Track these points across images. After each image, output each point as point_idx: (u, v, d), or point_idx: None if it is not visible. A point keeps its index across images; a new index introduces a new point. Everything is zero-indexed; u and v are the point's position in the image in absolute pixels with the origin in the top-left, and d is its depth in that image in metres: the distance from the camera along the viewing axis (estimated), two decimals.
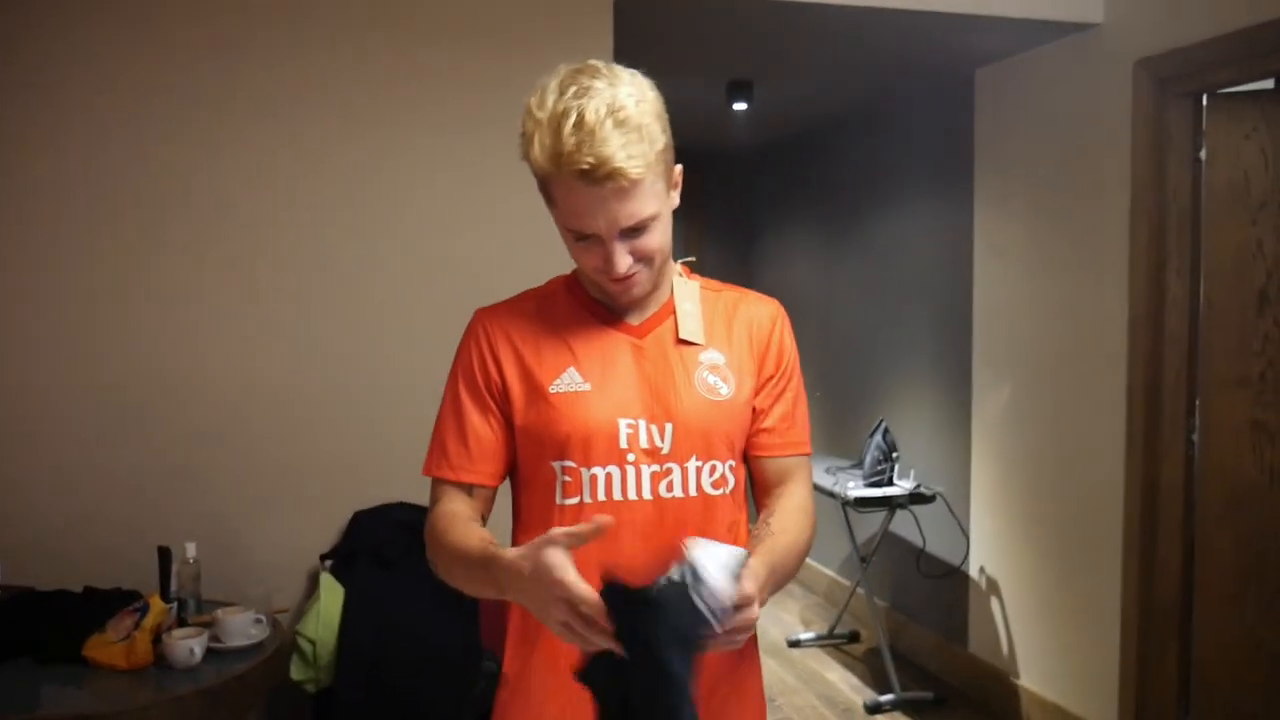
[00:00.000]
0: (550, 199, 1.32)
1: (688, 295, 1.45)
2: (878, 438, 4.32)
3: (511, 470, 1.45)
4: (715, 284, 1.51)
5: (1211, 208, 3.19)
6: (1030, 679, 3.91)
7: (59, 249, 2.83)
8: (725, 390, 1.41)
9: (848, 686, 4.34)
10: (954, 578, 4.34)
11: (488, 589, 1.26)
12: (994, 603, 4.12)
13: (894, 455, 4.27)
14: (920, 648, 4.61)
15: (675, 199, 1.37)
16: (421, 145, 3.10)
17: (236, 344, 2.97)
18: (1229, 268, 3.17)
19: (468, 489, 1.41)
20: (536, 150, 1.26)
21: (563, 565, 1.09)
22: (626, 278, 1.33)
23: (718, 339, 1.44)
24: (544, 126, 1.25)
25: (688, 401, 1.38)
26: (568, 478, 1.36)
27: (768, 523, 1.40)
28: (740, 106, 4.57)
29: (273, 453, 2.99)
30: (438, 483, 1.42)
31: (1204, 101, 3.17)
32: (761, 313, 1.48)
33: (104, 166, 2.86)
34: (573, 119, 1.23)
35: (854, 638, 4.86)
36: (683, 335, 1.41)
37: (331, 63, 3.01)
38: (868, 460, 4.31)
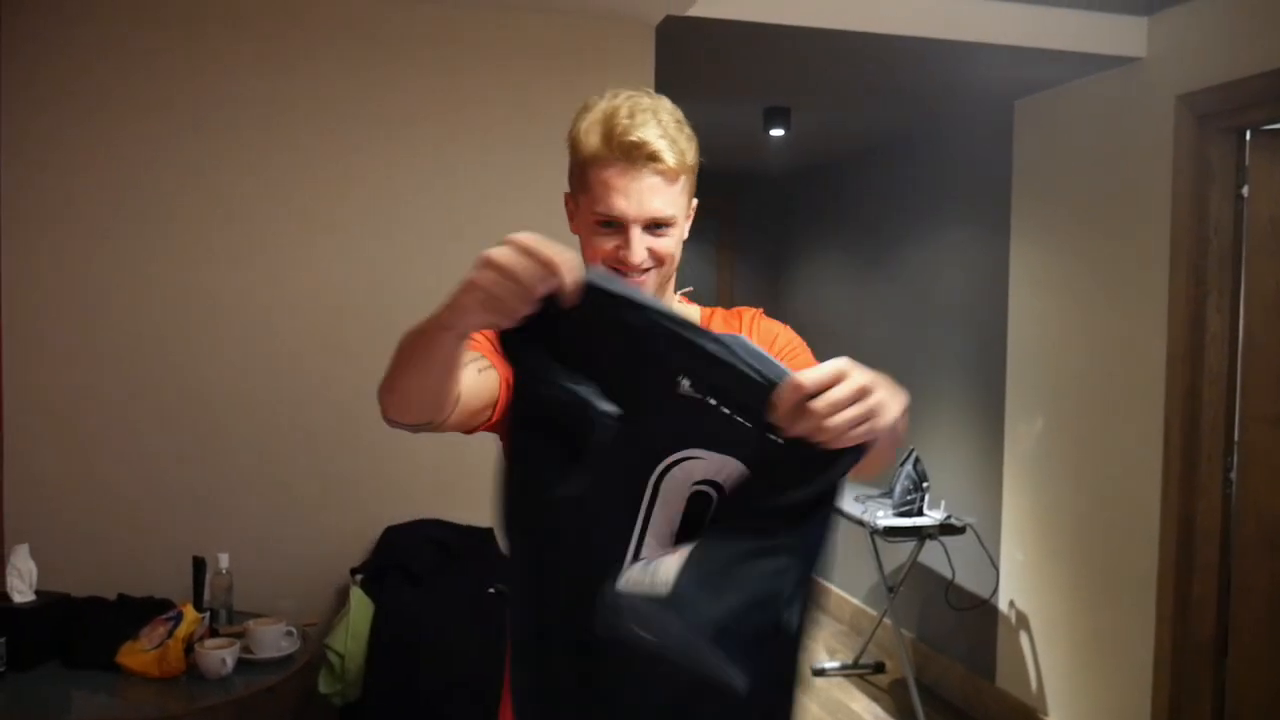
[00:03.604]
0: (585, 185, 1.37)
1: (685, 315, 1.50)
2: (908, 467, 4.28)
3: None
4: (709, 310, 1.57)
5: (1253, 244, 3.16)
6: (1059, 717, 3.85)
7: (101, 261, 2.88)
8: None
9: (872, 717, 4.29)
10: (983, 611, 4.29)
11: (421, 345, 1.11)
12: (1023, 637, 4.07)
13: (924, 485, 4.23)
14: (947, 681, 4.55)
15: (686, 227, 1.44)
16: (466, 167, 3.13)
17: (274, 357, 3.00)
18: (1270, 304, 3.14)
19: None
20: (587, 131, 1.34)
21: None
22: (637, 273, 1.37)
23: None
24: (597, 113, 1.35)
25: None
26: None
27: None
28: (777, 132, 4.57)
29: (307, 467, 3.02)
30: None
31: (1247, 137, 3.15)
32: (746, 316, 1.53)
33: (152, 179, 2.91)
34: (626, 108, 1.33)
35: (879, 668, 4.81)
36: None
37: (379, 85, 3.05)
38: (897, 490, 4.28)
